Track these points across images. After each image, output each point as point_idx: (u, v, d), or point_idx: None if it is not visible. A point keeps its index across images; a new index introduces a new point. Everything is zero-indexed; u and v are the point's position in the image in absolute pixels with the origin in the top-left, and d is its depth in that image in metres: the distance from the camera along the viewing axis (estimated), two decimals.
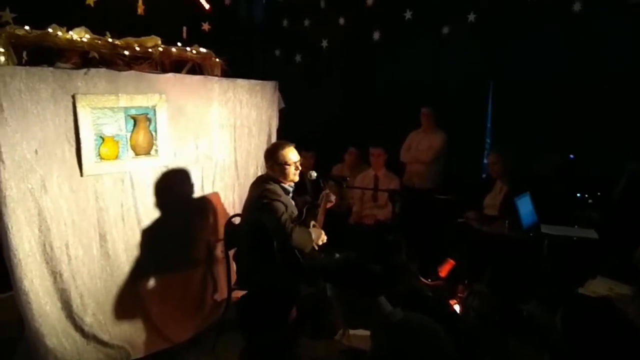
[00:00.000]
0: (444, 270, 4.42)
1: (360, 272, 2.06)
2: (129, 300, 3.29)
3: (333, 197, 3.72)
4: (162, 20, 4.93)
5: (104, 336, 3.14)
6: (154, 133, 3.31)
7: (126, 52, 3.36)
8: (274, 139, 4.25)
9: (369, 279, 2.04)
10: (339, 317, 2.19)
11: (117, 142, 3.12)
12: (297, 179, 3.47)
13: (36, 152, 2.73)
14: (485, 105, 5.43)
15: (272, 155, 3.40)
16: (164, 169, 3.43)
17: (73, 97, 2.84)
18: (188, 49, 3.78)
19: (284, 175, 3.39)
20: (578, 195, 4.57)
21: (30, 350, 2.87)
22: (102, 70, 3.01)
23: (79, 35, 3.14)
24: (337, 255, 3.41)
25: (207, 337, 3.58)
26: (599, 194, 4.47)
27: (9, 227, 2.65)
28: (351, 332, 3.43)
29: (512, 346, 3.09)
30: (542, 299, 3.35)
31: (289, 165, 3.38)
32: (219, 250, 3.83)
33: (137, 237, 3.32)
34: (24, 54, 3.10)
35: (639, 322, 2.25)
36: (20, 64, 2.90)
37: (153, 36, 3.54)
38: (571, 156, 4.74)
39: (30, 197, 2.73)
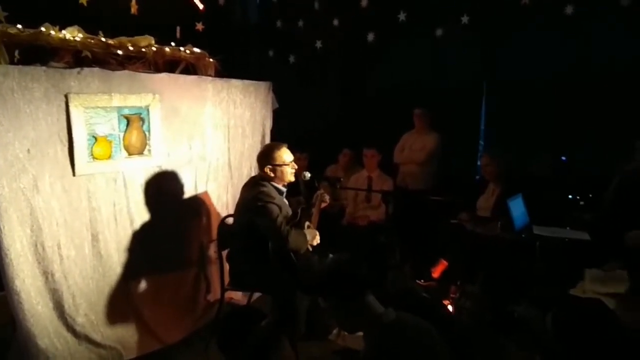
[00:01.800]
0: (436, 271, 4.42)
1: (345, 277, 2.07)
2: (121, 300, 3.28)
3: (327, 197, 3.72)
4: (155, 20, 4.90)
5: (96, 337, 3.13)
6: (147, 133, 3.30)
7: (119, 52, 3.35)
8: (267, 140, 4.25)
9: (355, 283, 2.05)
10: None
11: (110, 141, 3.11)
12: (293, 178, 3.47)
13: (28, 151, 2.71)
14: (479, 106, 5.46)
15: (267, 157, 3.38)
16: (157, 169, 3.42)
17: (66, 96, 2.83)
18: (182, 48, 3.77)
19: (281, 176, 3.38)
20: (570, 196, 4.60)
21: (22, 351, 2.85)
22: (95, 69, 3.00)
23: (72, 34, 3.12)
24: (331, 255, 3.42)
25: (199, 338, 3.58)
26: (590, 195, 4.50)
27: (1, 227, 2.63)
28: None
29: (505, 347, 3.10)
30: (534, 300, 3.36)
31: (286, 165, 3.38)
32: (212, 250, 3.82)
33: (129, 237, 3.31)
34: (17, 52, 3.08)
35: (629, 322, 2.26)
36: (12, 63, 2.89)
37: (146, 36, 3.53)
38: (563, 158, 4.77)
39: (22, 196, 2.71)
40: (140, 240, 3.35)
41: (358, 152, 5.51)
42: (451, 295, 4.00)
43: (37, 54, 3.03)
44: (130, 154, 3.23)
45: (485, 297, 3.76)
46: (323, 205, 3.69)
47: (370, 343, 1.98)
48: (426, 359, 1.90)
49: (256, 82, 4.16)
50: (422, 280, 4.47)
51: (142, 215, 3.37)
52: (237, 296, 4.05)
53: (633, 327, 2.22)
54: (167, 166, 3.49)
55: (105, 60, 3.29)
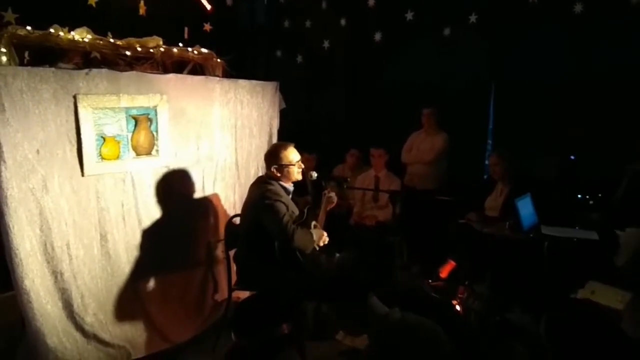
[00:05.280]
0: (444, 271, 4.42)
1: (348, 281, 2.07)
2: (130, 300, 3.30)
3: (335, 197, 3.72)
4: (163, 21, 4.95)
5: (105, 336, 3.15)
6: (155, 133, 3.32)
7: (128, 53, 3.37)
8: (274, 140, 4.26)
9: (358, 286, 2.05)
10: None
11: (118, 142, 3.12)
12: (300, 177, 3.48)
13: (38, 152, 2.73)
14: (487, 106, 5.43)
15: (274, 157, 3.41)
16: (165, 169, 3.44)
17: (74, 97, 2.85)
18: (189, 49, 3.78)
19: (288, 175, 3.40)
20: (579, 196, 4.57)
21: (31, 350, 2.87)
22: (104, 70, 3.01)
23: (81, 35, 3.15)
24: (337, 255, 3.42)
25: (207, 337, 3.59)
26: (599, 195, 4.47)
27: (10, 226, 2.65)
28: None
29: (512, 347, 3.09)
30: (529, 305, 3.34)
31: (293, 165, 3.40)
32: (220, 250, 3.83)
33: (137, 237, 3.32)
34: (26, 54, 3.12)
35: (628, 330, 2.23)
36: (22, 64, 2.91)
37: (155, 37, 3.55)
38: (572, 157, 4.74)
39: (31, 196, 2.73)
40: (148, 240, 3.37)
41: (365, 152, 5.51)
42: (459, 295, 3.99)
43: (46, 55, 3.06)
44: (138, 154, 3.24)
45: (493, 297, 3.74)
46: (330, 205, 3.69)
47: (375, 342, 1.98)
48: (431, 359, 1.90)
49: (263, 82, 4.16)
50: (430, 280, 4.47)
51: (150, 215, 3.38)
52: (245, 296, 4.05)
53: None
54: (175, 166, 3.50)
55: (114, 61, 3.31)
